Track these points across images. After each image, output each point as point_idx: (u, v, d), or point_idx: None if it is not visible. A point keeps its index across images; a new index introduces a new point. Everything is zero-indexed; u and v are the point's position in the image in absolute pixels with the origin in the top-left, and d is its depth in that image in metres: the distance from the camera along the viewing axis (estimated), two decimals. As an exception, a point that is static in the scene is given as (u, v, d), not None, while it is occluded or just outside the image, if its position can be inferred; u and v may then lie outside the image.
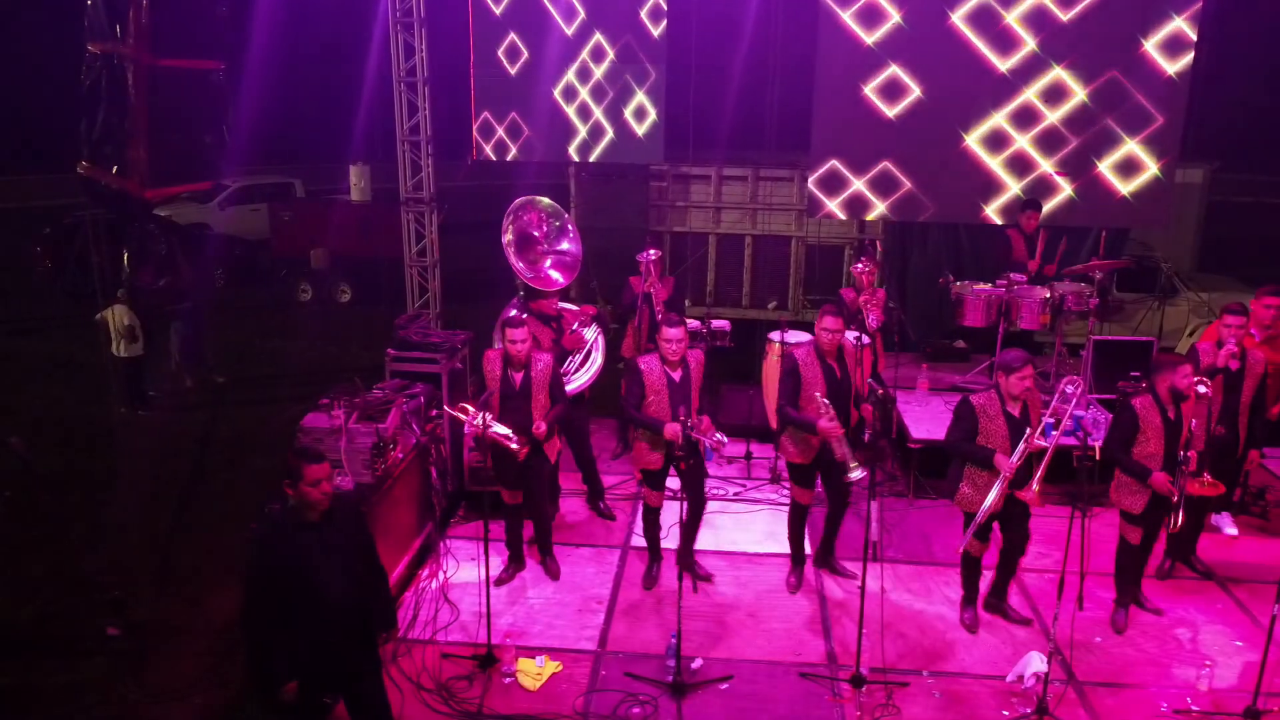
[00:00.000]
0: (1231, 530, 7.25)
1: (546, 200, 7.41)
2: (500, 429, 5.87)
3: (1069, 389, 5.57)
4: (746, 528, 7.27)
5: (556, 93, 10.04)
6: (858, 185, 9.89)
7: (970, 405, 5.69)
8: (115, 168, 5.34)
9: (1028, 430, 5.48)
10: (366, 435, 5.76)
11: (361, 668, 4.27)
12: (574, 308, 7.29)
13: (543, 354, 6.28)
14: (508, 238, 6.96)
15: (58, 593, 6.59)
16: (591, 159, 10.32)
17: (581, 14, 9.82)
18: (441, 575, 6.44)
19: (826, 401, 5.89)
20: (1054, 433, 5.49)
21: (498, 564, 6.56)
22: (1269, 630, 5.00)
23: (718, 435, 5.89)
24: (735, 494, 7.80)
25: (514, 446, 5.85)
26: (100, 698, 5.43)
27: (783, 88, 10.66)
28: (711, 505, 7.58)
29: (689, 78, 10.52)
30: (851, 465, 5.87)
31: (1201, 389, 5.78)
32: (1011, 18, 9.33)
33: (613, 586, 6.45)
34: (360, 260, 15.68)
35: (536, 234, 7.20)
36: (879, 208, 10.00)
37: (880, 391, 5.68)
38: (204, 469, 8.62)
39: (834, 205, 10.01)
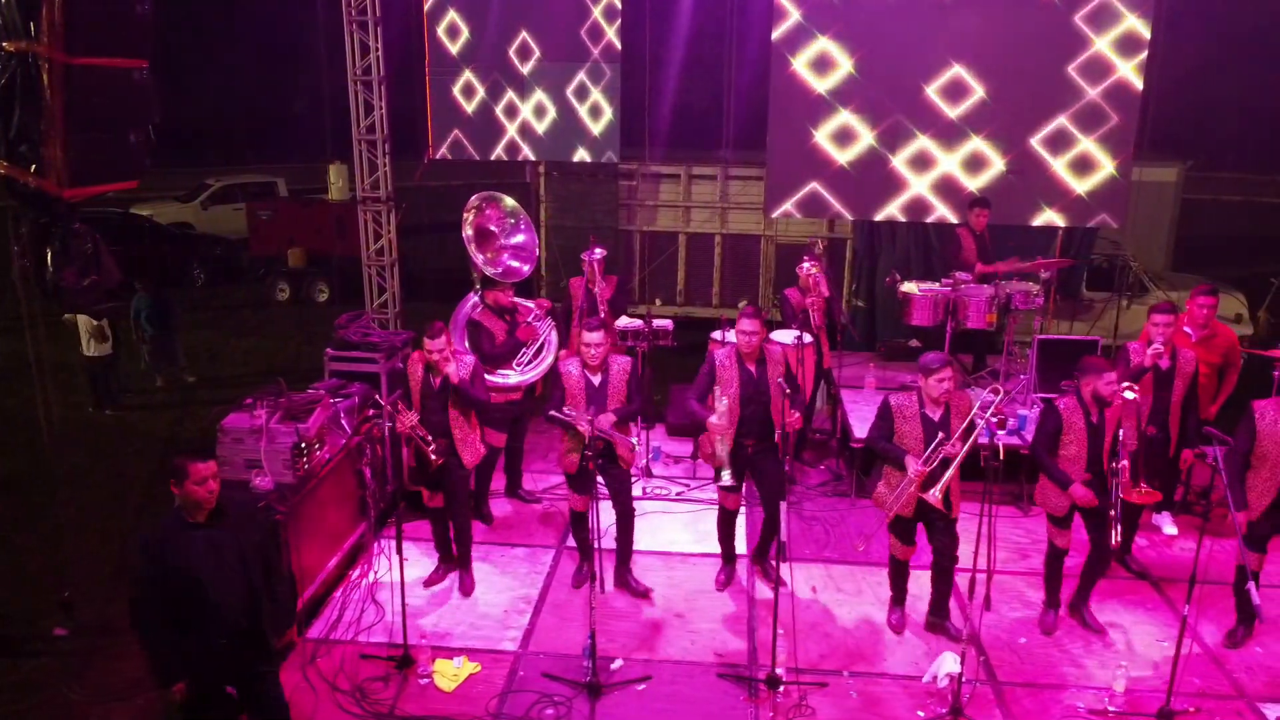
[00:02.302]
0: (1171, 529, 7.23)
1: (502, 196, 7.44)
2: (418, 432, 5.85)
3: (989, 396, 5.55)
4: (687, 528, 7.25)
5: (512, 91, 10.01)
6: (813, 185, 9.86)
7: (888, 405, 5.67)
8: (33, 167, 5.30)
9: (941, 434, 5.45)
10: (288, 435, 5.75)
11: (256, 668, 4.26)
12: (529, 302, 7.27)
13: (465, 355, 6.24)
14: (468, 232, 6.98)
15: (7, 593, 6.62)
16: (545, 158, 10.31)
17: (537, 11, 9.79)
18: (372, 575, 6.42)
19: (726, 401, 5.85)
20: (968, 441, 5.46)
21: (431, 565, 6.57)
22: (1180, 632, 4.99)
23: (632, 440, 5.83)
24: (678, 494, 7.78)
25: (433, 448, 5.83)
26: (40, 699, 5.43)
27: (739, 84, 10.61)
28: (654, 505, 7.61)
29: (644, 76, 10.49)
30: (724, 471, 5.82)
31: (1129, 394, 5.71)
32: (967, 16, 9.30)
33: (543, 586, 6.44)
34: (338, 259, 15.69)
35: (494, 228, 7.22)
36: (836, 207, 9.97)
37: (788, 392, 5.62)
38: (166, 468, 8.65)
39: (790, 205, 9.98)
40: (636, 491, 7.73)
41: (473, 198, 7.27)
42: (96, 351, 10.57)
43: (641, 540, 7.02)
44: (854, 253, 12.28)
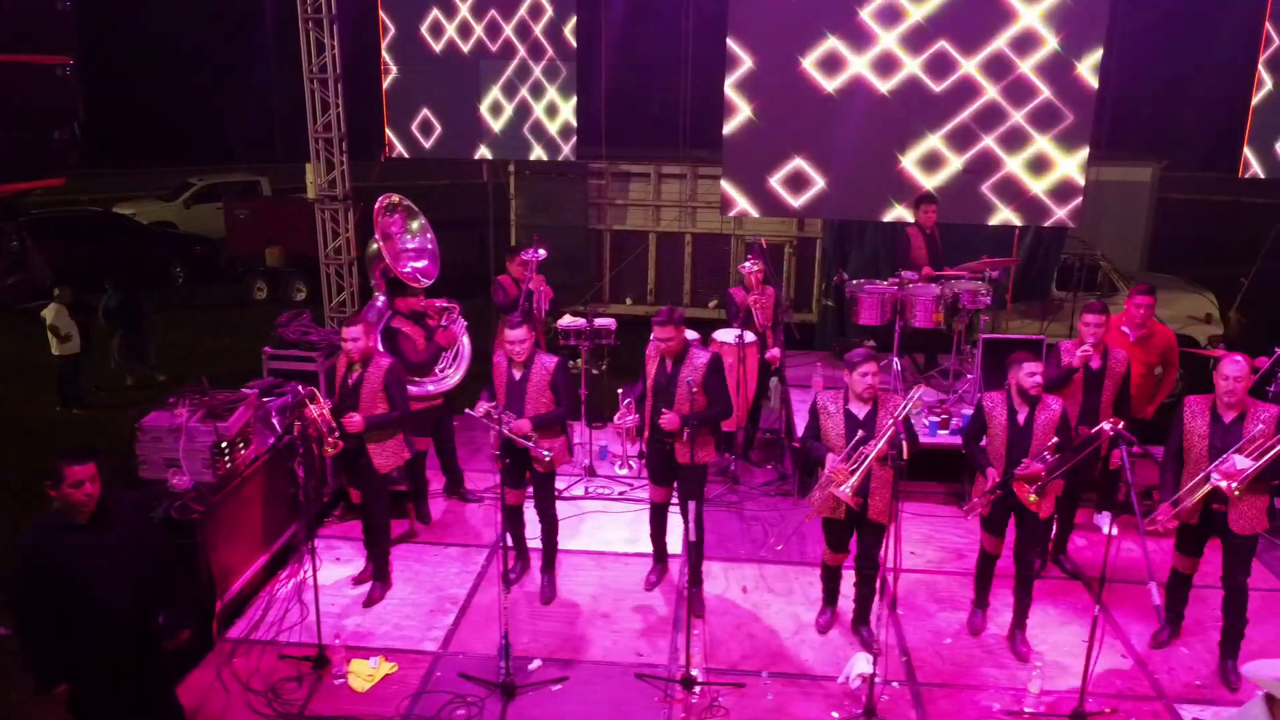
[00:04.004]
0: (1111, 530, 7.17)
1: (404, 201, 7.35)
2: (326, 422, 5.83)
3: (913, 393, 5.51)
4: (624, 527, 7.22)
5: (468, 89, 9.99)
6: (770, 184, 9.82)
7: (815, 402, 5.63)
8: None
9: (861, 432, 5.40)
10: (207, 434, 5.72)
11: (147, 670, 4.23)
12: (436, 301, 7.19)
13: (384, 357, 6.20)
14: (378, 238, 6.91)
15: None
16: (501, 156, 10.29)
17: (491, 11, 9.77)
18: (301, 575, 6.39)
19: (629, 402, 5.91)
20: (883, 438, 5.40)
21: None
22: (1090, 632, 4.96)
23: (543, 451, 5.76)
24: (620, 493, 7.75)
25: (329, 441, 5.77)
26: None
27: (697, 82, 10.58)
28: (594, 505, 7.59)
29: (601, 74, 10.46)
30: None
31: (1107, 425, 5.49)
32: (920, 16, 9.26)
33: (472, 586, 6.41)
34: (316, 258, 15.65)
35: (395, 231, 7.16)
36: (792, 206, 9.94)
37: (695, 389, 5.60)
38: (130, 467, 8.63)
39: (746, 203, 9.95)
40: (578, 491, 7.78)
41: (378, 203, 7.16)
42: (61, 351, 10.55)
43: (577, 540, 7.03)
44: (823, 252, 12.26)
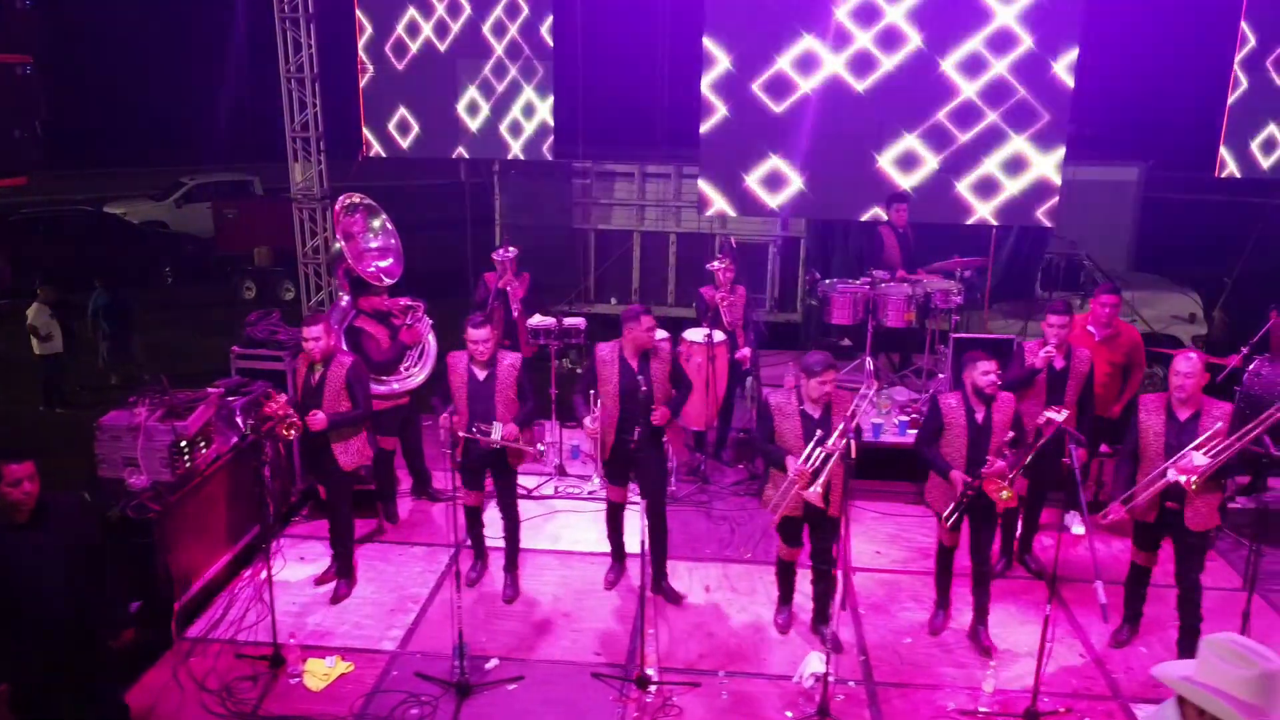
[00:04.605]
0: (1078, 529, 7.19)
1: (359, 197, 7.35)
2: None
3: (863, 391, 5.52)
4: (592, 527, 7.19)
5: (445, 89, 9.99)
6: (746, 183, 9.83)
7: (767, 405, 5.63)
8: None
9: (819, 432, 5.40)
10: (165, 433, 5.72)
11: (88, 669, 4.22)
12: (400, 300, 7.18)
13: (346, 355, 6.20)
14: (340, 239, 6.91)
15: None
16: (478, 155, 10.29)
17: (468, 10, 9.77)
18: (264, 574, 6.38)
19: (591, 400, 5.90)
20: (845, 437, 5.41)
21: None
22: (1042, 632, 4.95)
23: (538, 447, 5.82)
24: (590, 492, 7.74)
25: (289, 423, 5.75)
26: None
27: (672, 82, 10.57)
28: (562, 504, 7.59)
29: (577, 74, 10.46)
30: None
31: (1055, 416, 5.52)
32: (896, 14, 9.26)
33: (434, 585, 6.41)
34: None
35: (356, 230, 7.15)
36: (770, 205, 9.94)
37: (643, 390, 5.62)
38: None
39: (723, 203, 9.95)
40: (548, 490, 7.78)
41: (338, 203, 7.16)
42: (41, 350, 10.55)
43: (544, 539, 7.03)
44: (807, 251, 12.25)
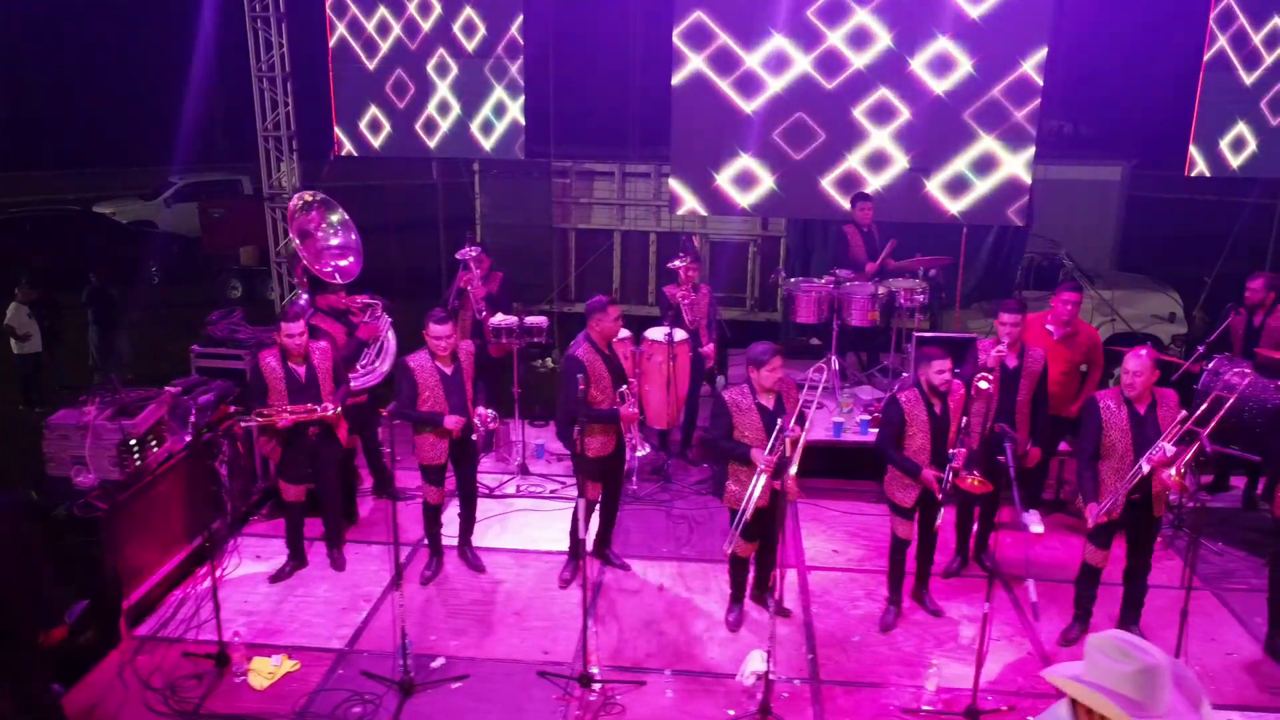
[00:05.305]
0: (1038, 528, 7.15)
1: (313, 195, 7.37)
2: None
3: (814, 375, 5.56)
4: (552, 525, 7.19)
5: (416, 88, 10.00)
6: (716, 182, 9.83)
7: (723, 402, 5.64)
8: None
9: (780, 421, 5.41)
10: (114, 432, 5.73)
11: (18, 669, 4.23)
12: (360, 297, 7.20)
13: (317, 342, 6.26)
14: (295, 238, 6.91)
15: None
16: (449, 154, 10.30)
17: (438, 9, 9.78)
18: (218, 573, 6.39)
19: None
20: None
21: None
22: (981, 629, 4.95)
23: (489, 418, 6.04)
24: (552, 491, 7.74)
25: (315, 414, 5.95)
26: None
27: (645, 81, 10.57)
28: (523, 503, 7.59)
29: (548, 73, 10.46)
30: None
31: (983, 384, 5.78)
32: (864, 15, 9.26)
33: (388, 584, 6.40)
34: None
35: (314, 227, 7.16)
36: (741, 204, 9.94)
37: (624, 389, 5.64)
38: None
39: (694, 202, 9.95)
40: (510, 490, 7.78)
41: (291, 203, 7.19)
42: (20, 350, 10.55)
43: (502, 538, 7.04)
44: (787, 251, 12.24)
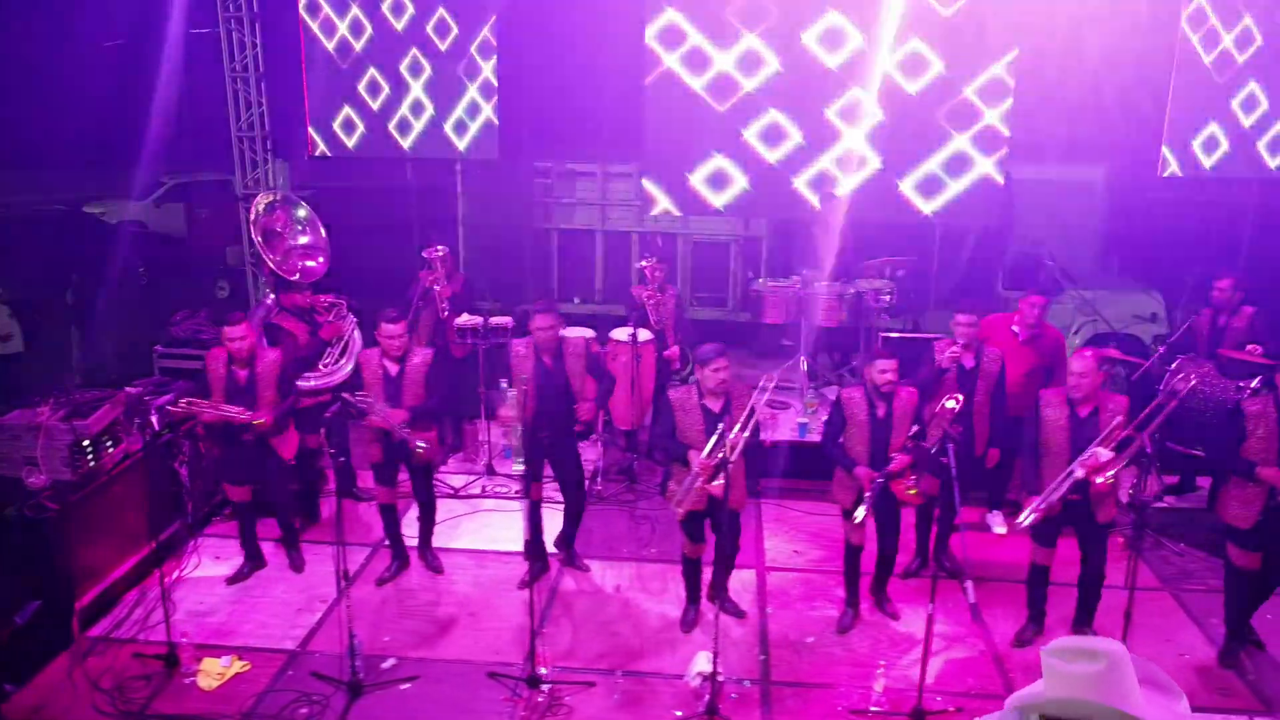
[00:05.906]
0: (1000, 529, 7.18)
1: (274, 195, 7.38)
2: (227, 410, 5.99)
3: (762, 384, 5.54)
4: (513, 526, 7.19)
5: (389, 88, 9.98)
6: (691, 181, 9.80)
7: (667, 400, 5.63)
8: None
9: (721, 425, 5.40)
10: (66, 432, 5.72)
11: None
12: (325, 297, 7.19)
13: (271, 350, 6.25)
14: (258, 238, 6.91)
15: None
16: (422, 154, 10.28)
17: (411, 9, 9.76)
18: (175, 574, 6.40)
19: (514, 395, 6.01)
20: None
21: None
22: (926, 630, 4.94)
23: (418, 442, 5.90)
24: (517, 491, 7.73)
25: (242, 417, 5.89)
26: None
27: (616, 84, 10.54)
28: (488, 504, 7.59)
29: (522, 74, 10.44)
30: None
31: (950, 404, 5.74)
32: (837, 15, 9.23)
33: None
34: None
35: (280, 229, 7.15)
36: (714, 204, 9.92)
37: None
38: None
39: (668, 202, 9.94)
40: (475, 490, 7.78)
41: (253, 206, 7.20)
42: (1, 350, 10.54)
43: (462, 539, 7.03)
44: (768, 252, 12.22)
